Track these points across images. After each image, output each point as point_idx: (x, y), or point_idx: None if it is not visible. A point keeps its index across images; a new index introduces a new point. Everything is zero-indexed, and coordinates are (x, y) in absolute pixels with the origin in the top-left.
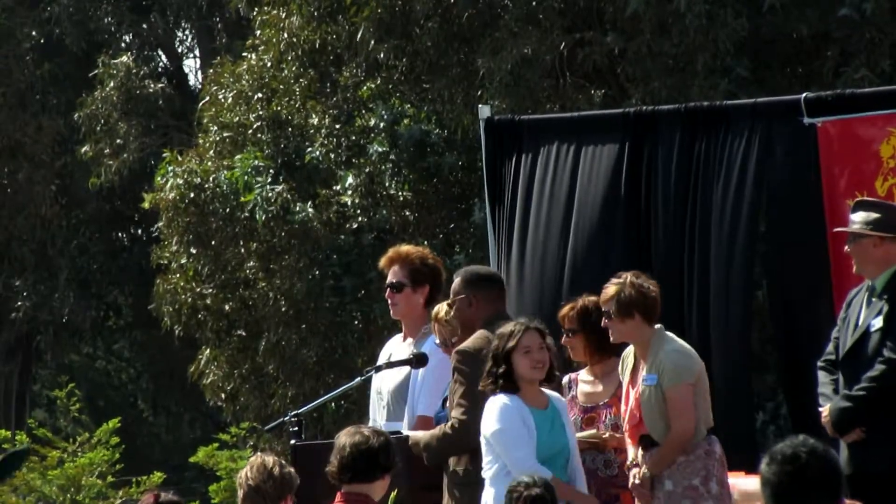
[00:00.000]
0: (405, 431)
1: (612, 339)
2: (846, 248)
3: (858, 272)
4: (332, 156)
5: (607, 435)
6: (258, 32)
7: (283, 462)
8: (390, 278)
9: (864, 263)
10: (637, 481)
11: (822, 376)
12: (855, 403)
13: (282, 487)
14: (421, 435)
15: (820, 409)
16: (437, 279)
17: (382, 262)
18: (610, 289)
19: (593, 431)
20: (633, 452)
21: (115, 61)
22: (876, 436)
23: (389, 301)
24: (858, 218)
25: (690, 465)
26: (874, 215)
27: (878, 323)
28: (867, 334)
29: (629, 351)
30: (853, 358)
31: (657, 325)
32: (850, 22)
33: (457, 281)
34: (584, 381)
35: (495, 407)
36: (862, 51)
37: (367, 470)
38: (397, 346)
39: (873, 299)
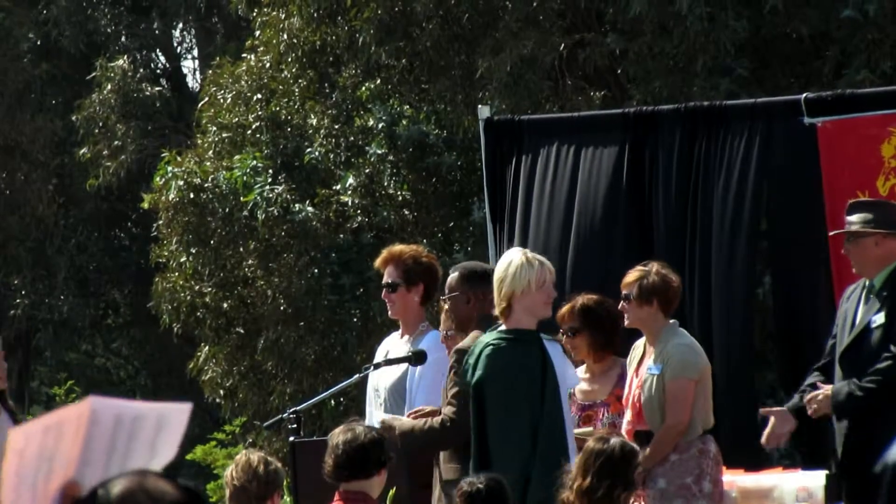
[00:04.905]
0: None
1: (626, 322)
2: (843, 249)
3: (858, 272)
4: (332, 156)
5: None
6: (258, 34)
7: (270, 459)
8: (385, 278)
9: (865, 263)
10: None
11: (811, 375)
12: (864, 394)
13: (266, 486)
14: (405, 422)
15: (816, 387)
16: (432, 277)
17: (378, 262)
18: (634, 273)
19: (589, 429)
20: None
21: (113, 64)
22: (874, 430)
23: (386, 301)
24: (855, 219)
25: (684, 463)
26: (870, 215)
27: (879, 319)
28: (867, 331)
29: (640, 342)
30: (852, 354)
31: (672, 320)
32: (852, 23)
33: (453, 276)
34: (581, 379)
35: None
36: (862, 51)
37: (362, 467)
38: (394, 344)
39: (871, 297)
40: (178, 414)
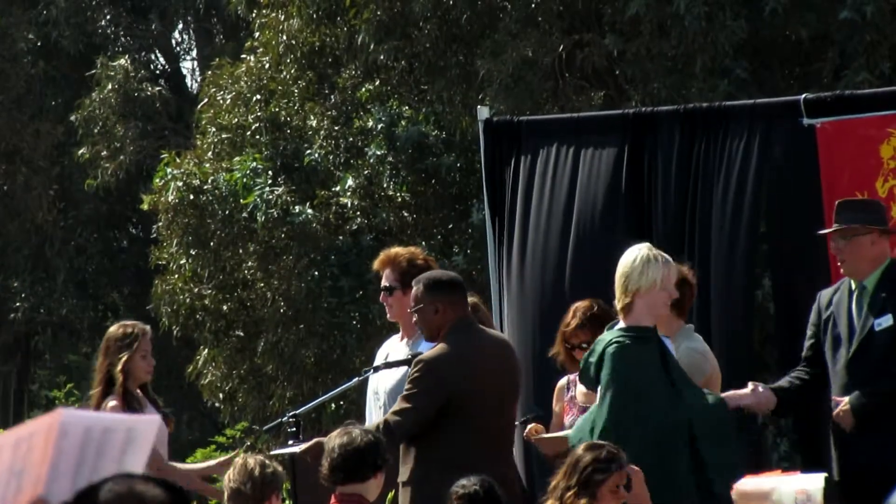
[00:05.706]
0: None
1: None
2: (833, 248)
3: (848, 273)
4: (331, 157)
5: None
6: (257, 35)
7: (267, 462)
8: (383, 282)
9: (859, 262)
10: None
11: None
12: (884, 402)
13: (262, 489)
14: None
15: (835, 399)
16: None
17: (376, 264)
18: None
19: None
20: None
21: (113, 64)
22: (878, 440)
23: (384, 304)
24: (847, 218)
25: None
26: (862, 214)
27: (885, 322)
28: (871, 335)
29: None
30: (859, 361)
31: (688, 324)
32: (850, 24)
33: (417, 288)
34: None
35: None
36: (861, 53)
37: (358, 470)
38: (394, 346)
39: (863, 300)
40: (147, 427)
